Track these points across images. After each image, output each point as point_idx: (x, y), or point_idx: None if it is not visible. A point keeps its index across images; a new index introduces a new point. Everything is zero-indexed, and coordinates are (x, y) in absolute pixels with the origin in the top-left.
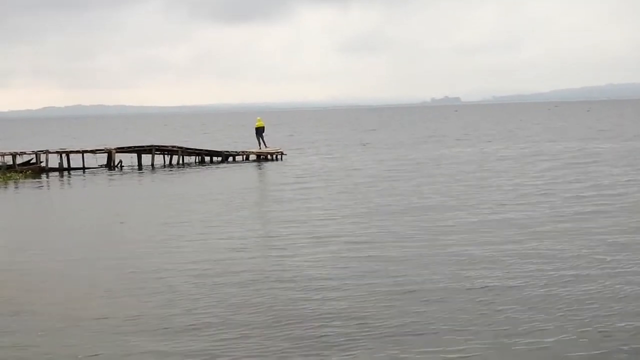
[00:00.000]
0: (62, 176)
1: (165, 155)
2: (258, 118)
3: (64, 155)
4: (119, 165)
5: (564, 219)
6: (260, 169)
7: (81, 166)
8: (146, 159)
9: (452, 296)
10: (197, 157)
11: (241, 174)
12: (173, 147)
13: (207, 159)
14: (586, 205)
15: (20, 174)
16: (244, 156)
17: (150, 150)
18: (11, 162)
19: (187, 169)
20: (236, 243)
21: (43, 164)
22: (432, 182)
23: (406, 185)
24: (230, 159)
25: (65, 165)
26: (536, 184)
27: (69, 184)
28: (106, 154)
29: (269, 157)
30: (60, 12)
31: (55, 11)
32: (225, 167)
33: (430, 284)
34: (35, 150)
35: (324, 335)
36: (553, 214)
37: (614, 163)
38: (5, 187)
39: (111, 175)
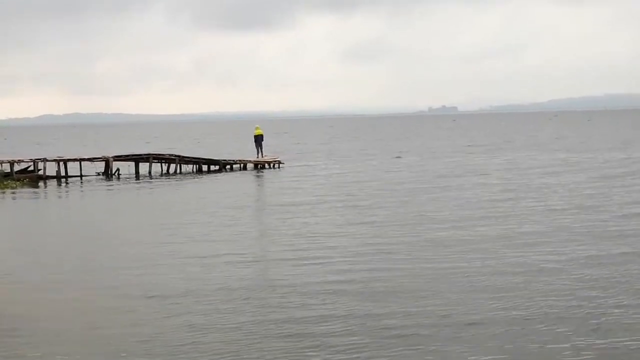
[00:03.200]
0: (59, 184)
1: (163, 164)
2: (257, 126)
3: (61, 163)
4: (116, 173)
5: None
6: (257, 178)
7: (79, 174)
8: (144, 167)
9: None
10: (194, 166)
11: (238, 184)
12: (171, 155)
13: (205, 167)
14: None
15: (18, 182)
16: (242, 165)
17: (148, 158)
18: (9, 170)
19: (185, 178)
20: (234, 260)
21: (41, 172)
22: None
23: (404, 198)
24: (228, 167)
25: (62, 173)
26: None
27: (66, 192)
28: (104, 162)
29: (266, 165)
30: (58, 19)
31: (54, 19)
32: (222, 176)
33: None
34: (33, 157)
35: None
36: None
37: None
38: (3, 195)
39: (108, 183)
